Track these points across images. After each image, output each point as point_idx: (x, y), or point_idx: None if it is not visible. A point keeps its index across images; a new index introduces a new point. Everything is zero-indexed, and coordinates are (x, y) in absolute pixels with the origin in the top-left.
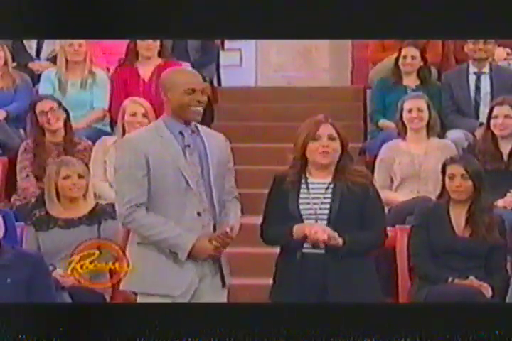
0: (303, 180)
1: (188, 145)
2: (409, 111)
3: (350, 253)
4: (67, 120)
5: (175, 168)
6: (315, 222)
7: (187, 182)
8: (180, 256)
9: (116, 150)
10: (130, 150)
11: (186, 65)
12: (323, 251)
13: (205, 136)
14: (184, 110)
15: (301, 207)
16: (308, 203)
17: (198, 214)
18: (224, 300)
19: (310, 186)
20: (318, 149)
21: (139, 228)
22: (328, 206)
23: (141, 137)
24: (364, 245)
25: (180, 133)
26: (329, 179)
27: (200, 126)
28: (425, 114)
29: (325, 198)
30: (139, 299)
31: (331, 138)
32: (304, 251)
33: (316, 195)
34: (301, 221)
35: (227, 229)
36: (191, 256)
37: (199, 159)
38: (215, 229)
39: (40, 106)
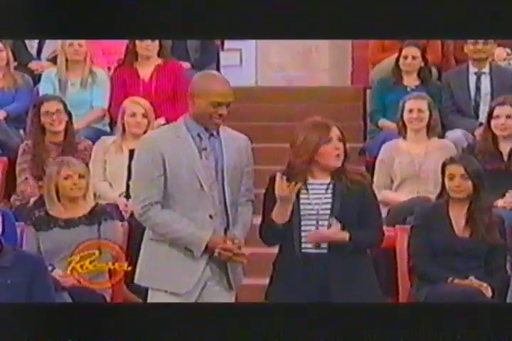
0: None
1: (205, 149)
2: (410, 111)
3: (353, 251)
4: (69, 122)
5: (189, 169)
6: (316, 222)
7: (200, 185)
8: (196, 253)
9: (136, 149)
10: (147, 149)
11: (187, 65)
12: (325, 251)
13: (225, 140)
14: (205, 119)
15: (302, 207)
16: (310, 204)
17: (210, 216)
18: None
19: (309, 187)
20: (332, 152)
21: (154, 226)
22: (329, 206)
23: (159, 136)
24: (365, 243)
25: (198, 135)
26: (328, 179)
27: (221, 129)
28: (425, 115)
29: (326, 198)
30: (150, 294)
31: (340, 139)
32: (305, 251)
33: (316, 196)
34: (300, 221)
35: (236, 241)
36: (207, 251)
37: (215, 163)
38: (225, 233)
39: (46, 107)
